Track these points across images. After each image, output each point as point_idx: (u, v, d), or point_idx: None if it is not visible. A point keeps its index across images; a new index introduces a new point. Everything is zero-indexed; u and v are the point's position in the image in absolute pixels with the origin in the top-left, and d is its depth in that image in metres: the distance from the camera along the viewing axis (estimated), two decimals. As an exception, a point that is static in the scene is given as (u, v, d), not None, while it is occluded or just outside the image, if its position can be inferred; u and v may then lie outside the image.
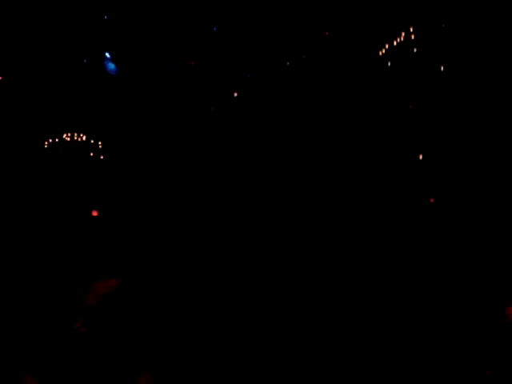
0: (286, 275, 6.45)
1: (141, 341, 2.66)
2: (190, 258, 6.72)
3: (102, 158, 7.18)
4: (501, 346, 4.35)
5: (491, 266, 6.28)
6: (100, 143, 7.02)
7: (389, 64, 7.26)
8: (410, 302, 6.03)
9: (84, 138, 6.89)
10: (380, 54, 7.21)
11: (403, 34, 7.15)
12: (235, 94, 7.21)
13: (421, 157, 7.39)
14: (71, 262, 6.52)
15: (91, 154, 7.02)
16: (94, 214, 6.73)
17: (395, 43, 7.16)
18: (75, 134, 6.83)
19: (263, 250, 6.77)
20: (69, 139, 6.84)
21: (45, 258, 6.56)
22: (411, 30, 7.13)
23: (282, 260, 6.66)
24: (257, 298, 6.15)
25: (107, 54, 6.51)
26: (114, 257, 6.52)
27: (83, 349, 2.75)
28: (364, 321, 5.75)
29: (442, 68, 7.28)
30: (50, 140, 6.85)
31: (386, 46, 7.20)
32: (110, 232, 6.92)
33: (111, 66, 6.63)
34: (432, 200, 7.25)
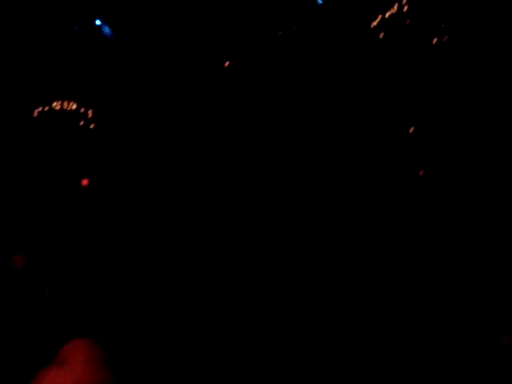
0: (286, 274, 6.44)
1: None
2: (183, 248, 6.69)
3: (92, 127, 7.13)
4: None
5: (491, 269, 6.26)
6: (90, 112, 6.98)
7: (381, 36, 7.23)
8: (409, 302, 6.03)
9: (74, 107, 6.84)
10: (372, 26, 7.19)
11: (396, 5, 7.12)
12: (226, 64, 7.17)
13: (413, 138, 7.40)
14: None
15: (81, 123, 6.97)
16: (85, 182, 6.70)
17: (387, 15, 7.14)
18: (65, 103, 6.78)
19: (261, 247, 6.75)
20: (59, 108, 6.79)
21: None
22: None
23: (281, 258, 6.65)
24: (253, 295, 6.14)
25: (98, 22, 6.44)
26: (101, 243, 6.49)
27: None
28: (364, 321, 5.76)
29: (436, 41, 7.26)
30: (40, 109, 6.79)
31: (379, 18, 7.18)
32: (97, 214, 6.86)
33: (105, 29, 6.56)
34: (421, 173, 7.27)
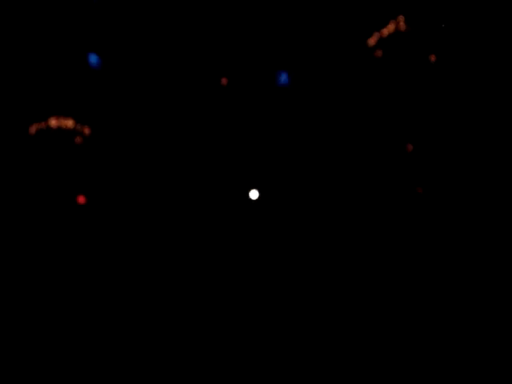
0: (286, 275, 6.40)
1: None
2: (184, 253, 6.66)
3: (89, 146, 7.12)
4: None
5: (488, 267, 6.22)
6: (88, 129, 6.97)
7: (380, 54, 7.24)
8: (409, 302, 5.97)
9: (71, 124, 6.84)
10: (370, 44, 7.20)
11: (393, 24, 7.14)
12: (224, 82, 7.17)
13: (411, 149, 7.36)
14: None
15: (78, 141, 6.96)
16: (81, 199, 6.67)
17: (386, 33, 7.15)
18: (61, 120, 6.78)
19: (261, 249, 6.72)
20: (55, 125, 6.79)
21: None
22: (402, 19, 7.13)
23: (282, 259, 6.61)
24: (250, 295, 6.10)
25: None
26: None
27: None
28: (364, 321, 5.70)
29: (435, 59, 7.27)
30: (36, 125, 6.79)
31: (376, 36, 7.19)
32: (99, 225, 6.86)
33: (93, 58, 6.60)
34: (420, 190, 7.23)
